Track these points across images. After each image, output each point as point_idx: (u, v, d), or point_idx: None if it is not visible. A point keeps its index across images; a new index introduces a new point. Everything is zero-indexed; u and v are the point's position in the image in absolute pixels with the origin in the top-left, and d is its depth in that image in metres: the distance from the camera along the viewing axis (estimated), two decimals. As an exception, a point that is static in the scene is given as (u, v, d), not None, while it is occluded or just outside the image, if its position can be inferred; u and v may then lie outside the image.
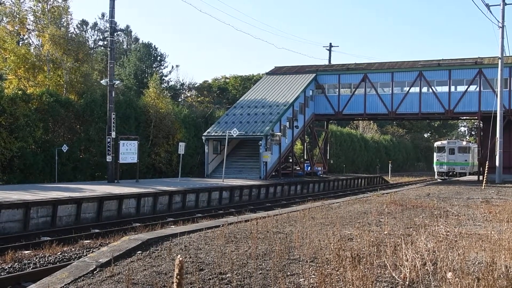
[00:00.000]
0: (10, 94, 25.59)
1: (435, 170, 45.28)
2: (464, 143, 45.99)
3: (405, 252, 6.97)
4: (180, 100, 56.97)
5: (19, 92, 26.50)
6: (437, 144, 46.26)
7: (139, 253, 8.13)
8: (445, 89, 37.24)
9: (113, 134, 26.07)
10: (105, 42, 56.88)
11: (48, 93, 28.03)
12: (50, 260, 11.22)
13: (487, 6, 30.74)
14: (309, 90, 39.60)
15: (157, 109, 34.74)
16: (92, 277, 6.89)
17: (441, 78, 37.23)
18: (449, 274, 6.11)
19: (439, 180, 41.85)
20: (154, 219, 18.56)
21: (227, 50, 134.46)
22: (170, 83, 59.16)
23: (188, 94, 63.32)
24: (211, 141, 35.03)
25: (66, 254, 11.74)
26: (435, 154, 45.26)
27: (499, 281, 5.90)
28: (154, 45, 56.95)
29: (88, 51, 37.87)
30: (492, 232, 9.62)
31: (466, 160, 44.12)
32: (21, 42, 37.32)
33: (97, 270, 7.18)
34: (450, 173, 44.43)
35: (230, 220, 11.83)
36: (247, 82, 64.12)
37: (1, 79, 31.17)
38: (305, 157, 42.52)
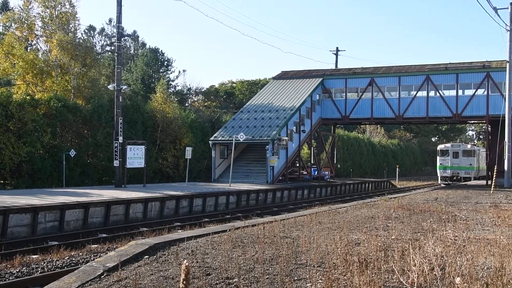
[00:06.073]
0: (19, 100, 25.75)
1: (438, 174, 43.75)
2: (469, 146, 44.43)
3: (412, 257, 6.93)
4: (187, 104, 57.14)
5: (27, 97, 26.67)
6: (440, 147, 44.52)
7: (146, 258, 8.14)
8: (452, 93, 37.04)
9: (120, 139, 26.17)
10: (113, 47, 57.10)
11: (56, 98, 28.19)
12: (58, 264, 11.26)
13: (495, 9, 30.61)
14: (316, 95, 39.57)
15: (164, 113, 34.84)
16: (99, 281, 6.90)
17: (448, 82, 37.05)
18: (458, 279, 6.07)
19: (442, 185, 40.89)
20: (161, 223, 18.60)
21: (234, 55, 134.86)
22: (177, 88, 59.41)
23: (195, 99, 63.52)
24: (218, 146, 35.06)
25: (73, 259, 11.77)
26: (438, 158, 43.67)
27: (508, 286, 5.85)
28: (161, 50, 57.26)
29: (96, 57, 38.09)
30: (501, 237, 9.55)
31: (470, 164, 42.29)
32: (29, 48, 37.61)
33: (105, 274, 7.19)
34: (454, 178, 42.77)
35: (237, 225, 11.82)
36: (254, 86, 64.22)
37: (10, 84, 31.38)
38: (312, 162, 42.44)
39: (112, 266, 7.49)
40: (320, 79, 40.21)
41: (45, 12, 32.62)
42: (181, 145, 35.12)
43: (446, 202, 19.17)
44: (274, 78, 44.12)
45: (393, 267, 6.97)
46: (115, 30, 29.99)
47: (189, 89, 61.91)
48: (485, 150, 40.74)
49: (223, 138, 34.30)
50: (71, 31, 34.07)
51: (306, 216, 13.63)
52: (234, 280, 6.70)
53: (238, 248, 8.83)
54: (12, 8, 45.36)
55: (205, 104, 57.73)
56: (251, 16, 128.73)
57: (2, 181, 25.53)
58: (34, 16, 32.86)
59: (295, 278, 6.76)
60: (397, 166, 55.22)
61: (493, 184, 27.07)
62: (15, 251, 12.63)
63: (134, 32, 69.82)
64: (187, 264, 3.50)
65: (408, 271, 6.64)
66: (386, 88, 38.75)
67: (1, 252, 12.46)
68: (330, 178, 41.47)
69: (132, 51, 66.24)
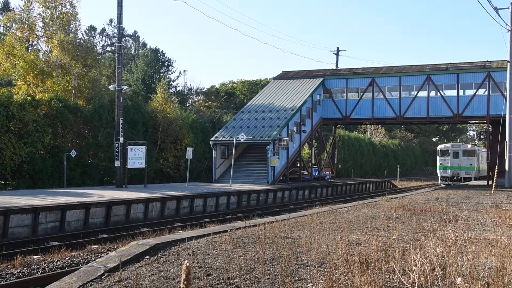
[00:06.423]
0: (19, 100, 25.78)
1: (438, 174, 43.30)
2: (469, 146, 44.00)
3: (413, 257, 6.93)
4: (187, 105, 57.15)
5: (28, 97, 26.69)
6: (440, 147, 43.94)
7: (147, 258, 8.14)
8: (453, 93, 37.01)
9: (121, 139, 26.18)
10: (113, 48, 57.23)
11: (57, 98, 28.21)
12: (59, 265, 11.26)
13: (496, 9, 30.57)
14: (317, 95, 39.57)
15: (165, 114, 34.85)
16: (100, 282, 6.91)
17: (449, 82, 37.02)
18: (459, 280, 6.06)
19: (442, 185, 40.47)
20: (162, 224, 18.59)
21: (234, 55, 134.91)
22: (178, 88, 59.43)
23: (196, 99, 63.53)
24: (219, 146, 35.06)
25: (74, 259, 11.78)
26: (438, 158, 43.14)
27: (510, 286, 5.85)
28: (162, 50, 57.25)
29: (96, 57, 38.09)
30: (502, 237, 9.54)
31: (471, 164, 41.67)
32: (30, 48, 37.62)
33: (105, 275, 7.20)
34: (454, 178, 42.24)
35: (238, 225, 11.82)
36: (255, 87, 64.22)
37: (11, 85, 31.39)
38: (312, 162, 42.44)
39: (113, 266, 7.50)
40: (321, 79, 40.21)
41: (45, 13, 32.65)
42: (182, 146, 35.13)
43: (447, 202, 19.15)
44: (274, 78, 44.11)
45: (394, 267, 6.97)
46: (115, 31, 30.02)
47: (190, 89, 61.95)
48: (485, 150, 40.59)
49: (224, 139, 34.30)
50: (71, 31, 34.10)
51: (307, 216, 13.62)
52: (235, 280, 6.70)
53: (239, 248, 8.83)
54: (13, 8, 45.42)
55: (206, 104, 57.76)
56: (251, 16, 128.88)
57: (3, 182, 25.55)
58: (35, 16, 32.92)
59: (296, 278, 6.76)
60: (398, 166, 55.19)
61: (494, 184, 27.04)
62: (16, 251, 12.64)
63: (135, 32, 69.87)
64: (188, 264, 3.50)
65: (409, 271, 6.64)
66: (387, 88, 38.73)
67: (2, 253, 12.48)
68: (330, 178, 41.45)
69: (132, 52, 66.25)
